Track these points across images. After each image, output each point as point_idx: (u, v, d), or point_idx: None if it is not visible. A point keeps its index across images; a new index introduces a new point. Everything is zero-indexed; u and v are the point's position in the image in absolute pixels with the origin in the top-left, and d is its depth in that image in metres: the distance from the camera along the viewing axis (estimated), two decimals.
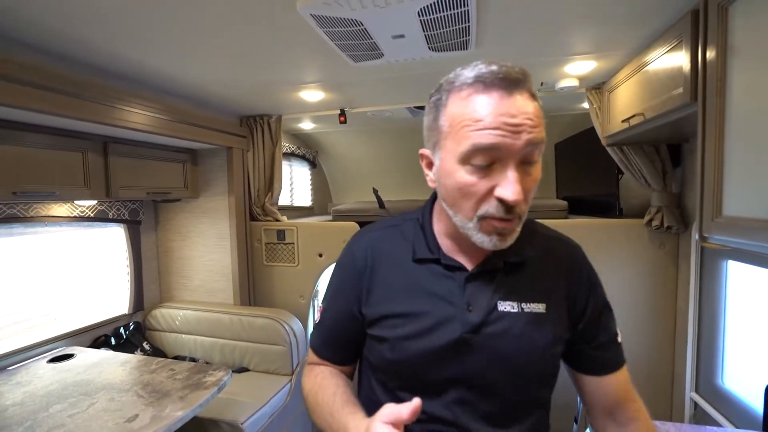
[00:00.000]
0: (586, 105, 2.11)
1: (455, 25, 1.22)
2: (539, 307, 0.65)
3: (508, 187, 0.55)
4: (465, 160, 0.58)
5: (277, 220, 2.49)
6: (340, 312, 0.75)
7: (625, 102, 1.63)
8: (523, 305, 0.65)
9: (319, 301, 2.96)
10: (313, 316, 2.80)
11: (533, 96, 0.59)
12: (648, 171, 1.82)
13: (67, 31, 1.25)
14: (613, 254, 1.97)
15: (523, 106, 0.56)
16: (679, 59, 1.19)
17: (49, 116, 1.39)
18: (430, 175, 0.67)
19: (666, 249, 1.90)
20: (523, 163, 0.58)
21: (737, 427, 1.35)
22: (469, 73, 0.59)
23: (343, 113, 2.29)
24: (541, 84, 1.94)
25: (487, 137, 0.55)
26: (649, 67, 1.41)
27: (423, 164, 0.68)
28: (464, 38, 1.31)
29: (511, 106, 0.55)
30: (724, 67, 0.98)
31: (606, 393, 0.71)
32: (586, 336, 0.70)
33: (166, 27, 1.24)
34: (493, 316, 0.64)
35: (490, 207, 0.58)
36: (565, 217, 2.23)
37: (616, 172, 2.05)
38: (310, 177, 3.54)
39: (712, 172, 1.01)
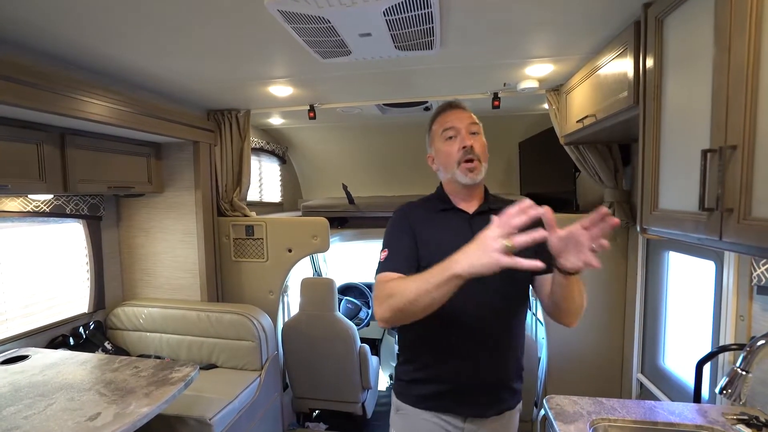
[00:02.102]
0: (546, 105, 2.21)
1: (420, 26, 1.26)
2: None
3: (464, 139, 1.07)
4: (443, 138, 1.11)
5: (246, 216, 2.47)
6: (407, 242, 1.08)
7: (580, 103, 1.74)
8: None
9: (288, 297, 2.95)
10: (283, 311, 2.79)
11: (467, 110, 1.14)
12: (601, 169, 1.95)
13: (25, 17, 1.20)
14: None
15: (464, 112, 1.13)
16: (625, 65, 1.29)
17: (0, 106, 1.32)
18: (433, 166, 1.17)
19: (617, 242, 2.04)
20: (471, 134, 1.09)
21: (673, 401, 1.48)
22: (440, 105, 1.17)
23: (312, 109, 2.30)
24: (504, 84, 2.02)
25: (448, 123, 1.11)
26: (601, 72, 1.51)
27: (429, 162, 1.19)
28: (429, 38, 1.36)
29: (458, 113, 1.13)
30: (660, 74, 1.08)
31: (547, 285, 1.04)
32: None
33: (130, 17, 1.21)
34: None
35: (459, 155, 1.07)
36: None
37: (574, 170, 2.17)
38: (279, 173, 3.51)
39: (650, 169, 1.12)
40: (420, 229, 1.10)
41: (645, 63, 1.15)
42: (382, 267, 1.05)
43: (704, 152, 0.85)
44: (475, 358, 1.05)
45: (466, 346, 1.05)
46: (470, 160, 1.07)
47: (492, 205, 1.12)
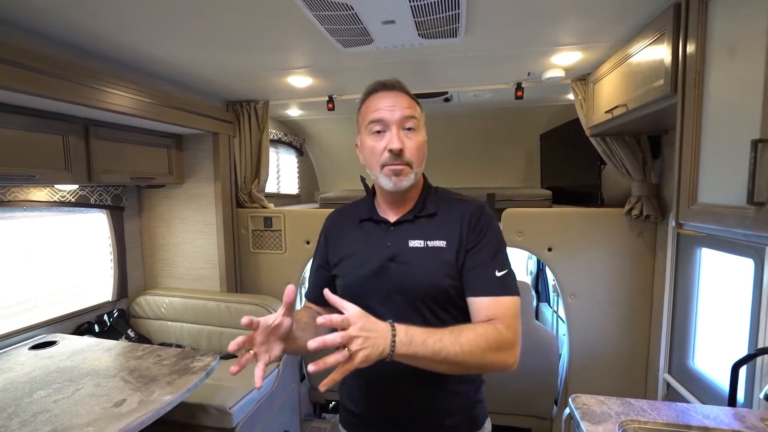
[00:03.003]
0: (571, 96, 2.14)
1: (445, 12, 1.22)
2: (441, 243, 0.90)
3: (392, 140, 0.86)
4: (368, 131, 0.90)
5: (264, 207, 2.47)
6: (317, 266, 1.05)
7: (609, 93, 1.67)
8: (428, 242, 0.90)
9: (306, 288, 2.97)
10: (301, 303, 2.81)
11: (406, 93, 0.92)
12: (629, 161, 1.87)
13: (49, 8, 1.21)
14: (594, 242, 2.03)
15: (397, 97, 0.89)
16: (661, 52, 1.22)
17: (27, 96, 1.34)
18: (360, 158, 0.97)
19: (644, 237, 1.97)
20: (404, 130, 0.88)
21: (704, 404, 1.42)
22: (370, 85, 0.94)
23: (331, 100, 2.28)
24: (528, 74, 1.96)
25: (375, 114, 0.88)
26: (633, 59, 1.44)
27: (358, 152, 0.97)
28: (454, 25, 1.32)
29: (388, 97, 0.89)
30: (702, 60, 1.02)
31: (474, 311, 0.87)
32: (465, 262, 0.89)
33: (151, 7, 1.21)
34: (405, 250, 0.91)
35: (385, 158, 0.87)
36: (549, 206, 2.28)
37: (599, 163, 2.10)
38: (297, 164, 3.52)
39: (689, 161, 1.06)
40: (336, 245, 1.00)
41: (686, 48, 1.08)
42: (306, 291, 1.08)
43: (754, 142, 0.79)
44: (389, 386, 0.91)
45: (374, 369, 0.84)
46: (397, 164, 0.88)
47: (423, 211, 0.94)
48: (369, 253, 0.93)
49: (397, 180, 0.88)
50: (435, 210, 0.94)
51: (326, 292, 0.73)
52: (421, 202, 0.95)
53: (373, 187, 1.01)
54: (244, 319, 0.70)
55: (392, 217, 0.95)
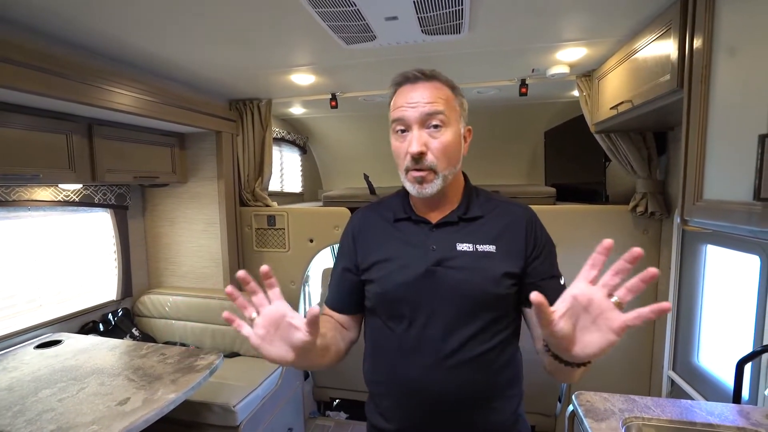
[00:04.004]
0: (575, 93, 2.13)
1: (448, 8, 1.21)
2: (490, 248, 0.84)
3: (412, 142, 0.79)
4: (393, 130, 0.84)
5: (267, 206, 2.48)
6: (341, 270, 0.96)
7: (614, 89, 1.65)
8: (477, 246, 0.84)
9: (310, 287, 2.97)
10: (304, 301, 2.81)
11: (439, 84, 0.82)
12: (634, 158, 1.86)
13: (52, 8, 1.21)
14: (599, 239, 2.00)
15: (421, 91, 0.81)
16: (667, 47, 1.21)
17: (31, 96, 1.35)
18: None
19: (649, 234, 1.95)
20: (429, 128, 0.80)
21: (709, 401, 1.41)
22: (394, 78, 0.87)
23: (334, 98, 2.27)
24: (532, 71, 1.94)
25: (396, 113, 0.82)
26: (638, 55, 1.43)
27: None
28: (457, 21, 1.31)
29: (412, 92, 0.81)
30: (709, 55, 1.00)
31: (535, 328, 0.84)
32: (529, 273, 0.85)
33: (152, 4, 1.21)
34: (453, 254, 0.83)
35: (407, 162, 0.81)
36: (553, 204, 2.26)
37: (603, 160, 2.08)
38: (300, 163, 3.52)
39: (694, 156, 1.05)
40: (368, 247, 0.91)
41: (692, 43, 1.07)
42: (326, 297, 1.00)
43: (762, 137, 0.78)
44: (427, 403, 0.84)
45: (412, 385, 0.85)
46: (419, 170, 0.81)
47: (468, 213, 0.87)
48: (410, 256, 0.85)
49: (420, 187, 0.81)
50: (480, 213, 0.87)
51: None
52: (465, 203, 0.88)
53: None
54: (240, 272, 0.67)
55: (433, 218, 0.88)
